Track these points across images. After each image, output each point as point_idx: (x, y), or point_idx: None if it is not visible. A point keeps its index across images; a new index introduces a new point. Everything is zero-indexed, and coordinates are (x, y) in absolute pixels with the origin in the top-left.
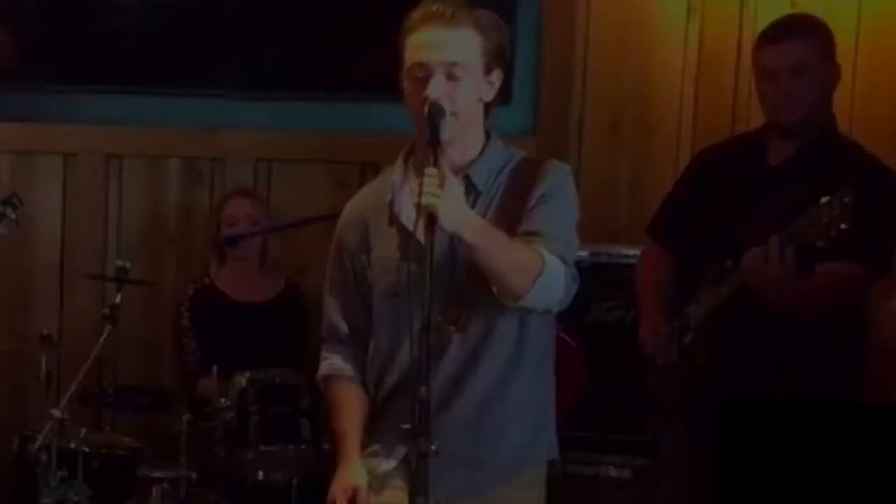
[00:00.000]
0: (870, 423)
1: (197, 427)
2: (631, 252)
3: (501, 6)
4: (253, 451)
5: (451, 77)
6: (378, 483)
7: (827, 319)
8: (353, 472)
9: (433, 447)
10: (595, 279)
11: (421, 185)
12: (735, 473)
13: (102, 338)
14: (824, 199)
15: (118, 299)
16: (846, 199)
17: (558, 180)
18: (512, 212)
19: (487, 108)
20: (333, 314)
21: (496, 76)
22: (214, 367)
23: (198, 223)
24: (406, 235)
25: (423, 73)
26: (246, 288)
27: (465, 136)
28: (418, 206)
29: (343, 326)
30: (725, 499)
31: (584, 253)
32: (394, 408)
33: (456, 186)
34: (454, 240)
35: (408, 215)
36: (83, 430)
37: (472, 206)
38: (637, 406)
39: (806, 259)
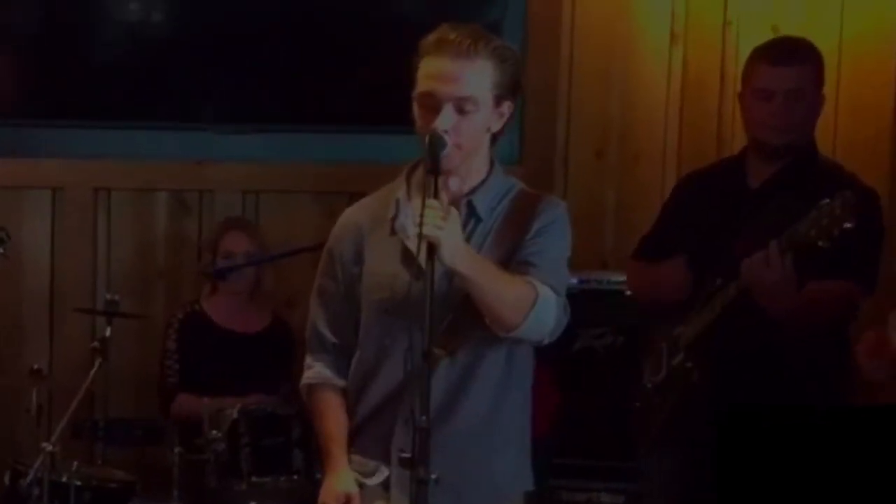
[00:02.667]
0: (867, 425)
1: (188, 459)
2: (619, 278)
3: None
4: (245, 483)
5: (460, 110)
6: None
7: (814, 334)
8: (343, 479)
9: (433, 476)
10: (584, 306)
11: (422, 215)
12: (732, 477)
13: (93, 371)
14: (824, 201)
15: (108, 332)
16: (849, 198)
17: (556, 216)
18: (509, 241)
19: (495, 137)
20: (320, 323)
21: (507, 107)
22: (205, 400)
23: (187, 255)
24: (404, 253)
25: (432, 103)
26: (235, 318)
27: (468, 165)
28: (419, 235)
29: (329, 336)
30: (724, 502)
31: (572, 280)
32: (375, 427)
33: (455, 220)
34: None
35: (410, 232)
36: (75, 463)
37: (472, 233)
38: (629, 432)
39: (798, 272)
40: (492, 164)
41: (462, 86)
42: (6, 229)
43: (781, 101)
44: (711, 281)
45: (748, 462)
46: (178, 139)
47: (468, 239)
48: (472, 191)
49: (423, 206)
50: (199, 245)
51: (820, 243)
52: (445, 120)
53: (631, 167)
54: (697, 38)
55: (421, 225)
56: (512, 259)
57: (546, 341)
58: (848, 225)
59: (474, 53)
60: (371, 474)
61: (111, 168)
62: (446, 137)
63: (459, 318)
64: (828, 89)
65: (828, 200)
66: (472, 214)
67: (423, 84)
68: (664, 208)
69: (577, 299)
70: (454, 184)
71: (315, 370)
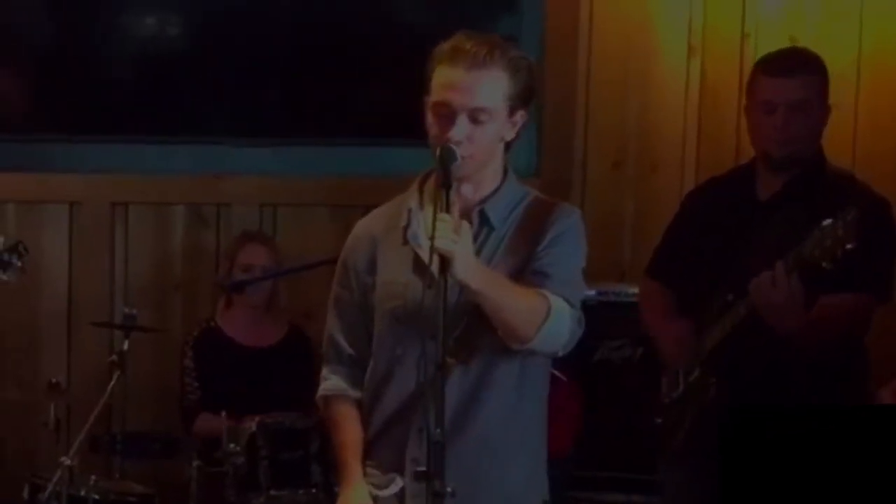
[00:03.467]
0: (869, 425)
1: (207, 473)
2: (637, 290)
3: None
4: (263, 497)
5: (474, 120)
6: None
7: (830, 348)
8: (358, 493)
9: (449, 489)
10: (602, 318)
11: (434, 229)
12: (736, 477)
13: (111, 385)
14: (827, 222)
15: (126, 346)
16: (850, 219)
17: (570, 225)
18: (523, 250)
19: (508, 145)
20: (336, 334)
21: (520, 116)
22: (224, 413)
23: (204, 269)
24: (416, 262)
25: (446, 112)
26: (251, 332)
27: (481, 174)
28: (431, 249)
29: (345, 347)
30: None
31: (590, 292)
32: (389, 437)
33: (467, 234)
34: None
35: (421, 243)
36: (93, 477)
37: (485, 242)
38: (646, 444)
39: (810, 287)
40: (506, 172)
41: (477, 97)
42: (23, 243)
43: (784, 113)
44: (723, 296)
45: (751, 463)
46: (195, 153)
47: (481, 247)
48: (485, 199)
49: (435, 219)
50: (217, 258)
51: (824, 264)
52: (460, 130)
53: (648, 178)
54: (715, 50)
55: (433, 239)
56: (525, 268)
57: (560, 353)
58: (850, 246)
59: (490, 64)
60: (385, 486)
61: (128, 182)
62: (457, 150)
63: (472, 327)
64: (846, 101)
65: (830, 221)
66: (484, 223)
67: (437, 93)
68: (675, 221)
69: (594, 311)
70: (467, 191)
71: (331, 382)
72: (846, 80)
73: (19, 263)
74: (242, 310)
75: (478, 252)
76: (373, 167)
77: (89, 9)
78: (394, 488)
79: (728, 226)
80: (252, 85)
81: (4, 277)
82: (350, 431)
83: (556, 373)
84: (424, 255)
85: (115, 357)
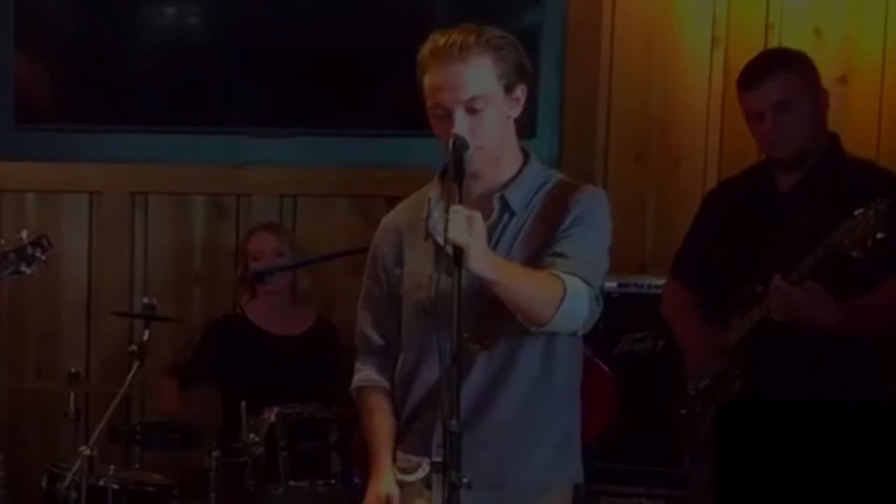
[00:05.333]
0: (869, 423)
1: (226, 463)
2: (659, 282)
3: (525, 37)
4: (282, 487)
5: (471, 111)
6: (405, 496)
7: (889, 334)
8: (385, 481)
9: (465, 480)
10: (624, 310)
11: (447, 220)
12: (733, 473)
13: (130, 375)
14: (858, 211)
15: (146, 336)
16: (882, 208)
17: (592, 204)
18: (544, 234)
19: (519, 124)
20: (367, 327)
21: (520, 91)
22: (243, 403)
23: (224, 259)
24: (438, 253)
25: (442, 113)
26: (277, 320)
27: (497, 160)
28: (444, 241)
29: (376, 339)
30: (724, 499)
31: (612, 284)
32: (418, 424)
33: (481, 225)
34: None
35: (440, 232)
36: (112, 467)
37: (506, 227)
38: (669, 437)
39: (845, 277)
40: (527, 156)
41: (466, 88)
42: (47, 237)
43: (771, 118)
44: (751, 288)
45: (748, 458)
46: (216, 143)
47: (502, 233)
48: (506, 185)
49: (448, 211)
50: (237, 249)
51: (854, 254)
52: (460, 126)
53: (672, 170)
54: (739, 41)
55: (446, 231)
56: (546, 251)
57: (581, 332)
58: (881, 235)
59: (469, 52)
60: (413, 471)
61: (149, 172)
62: (469, 139)
63: (493, 312)
64: (871, 91)
65: (861, 210)
66: (505, 208)
67: (429, 97)
68: (697, 220)
69: (616, 303)
70: (487, 176)
71: (363, 373)
72: (871, 71)
73: (43, 257)
74: (266, 299)
75: (498, 238)
76: (393, 158)
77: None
78: (420, 473)
79: (751, 219)
80: (272, 76)
81: (28, 272)
82: (380, 421)
83: (595, 359)
84: (443, 244)
85: (134, 347)
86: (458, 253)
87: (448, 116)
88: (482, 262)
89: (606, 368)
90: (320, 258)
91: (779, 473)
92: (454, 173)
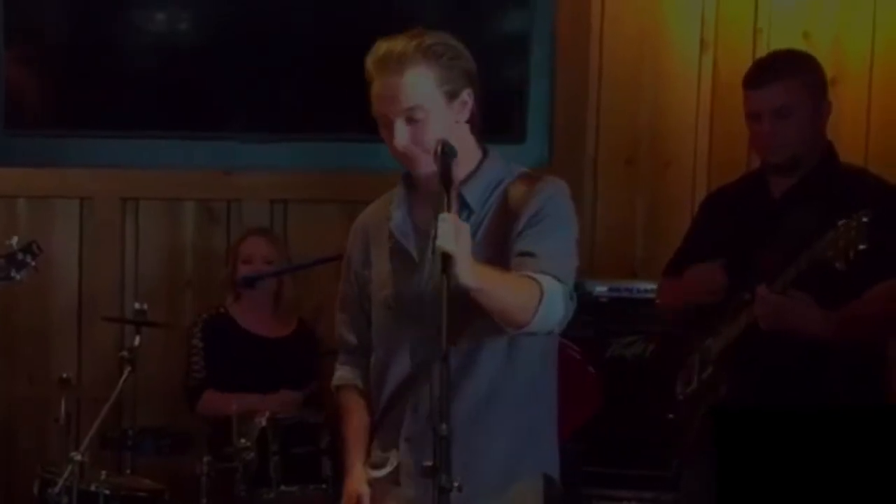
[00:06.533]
0: (867, 425)
1: (217, 468)
2: (649, 286)
3: (515, 42)
4: (274, 492)
5: (411, 121)
6: (376, 493)
7: (881, 339)
8: (356, 479)
9: (455, 484)
10: (614, 314)
11: (436, 228)
12: (730, 479)
13: (122, 380)
14: (841, 222)
15: (137, 342)
16: (864, 220)
17: (551, 197)
18: (504, 230)
19: (475, 124)
20: (342, 328)
21: (466, 95)
22: (234, 400)
23: (214, 264)
24: (400, 252)
25: (385, 122)
26: (261, 324)
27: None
28: (432, 248)
29: (351, 339)
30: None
31: (602, 288)
32: (389, 419)
33: (466, 234)
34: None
35: (403, 231)
36: (103, 472)
37: None
38: (659, 441)
39: (831, 285)
40: (485, 153)
41: (403, 99)
42: (37, 242)
43: (769, 121)
44: (739, 294)
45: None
46: (206, 149)
47: None
48: (462, 182)
49: (437, 220)
50: (227, 254)
51: (837, 265)
52: (400, 136)
53: (661, 174)
54: (728, 46)
55: (435, 238)
56: (507, 248)
57: (557, 330)
58: (862, 247)
59: (406, 63)
60: (382, 465)
61: (139, 178)
62: (414, 150)
63: (459, 313)
64: (860, 95)
65: (844, 222)
66: (463, 206)
67: (374, 106)
68: (692, 227)
69: (606, 308)
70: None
71: (339, 373)
72: (859, 74)
73: (33, 263)
74: (251, 303)
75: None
76: (384, 163)
77: (102, 4)
78: (388, 468)
79: (742, 226)
80: (263, 81)
81: (18, 277)
82: (351, 421)
83: (573, 351)
84: (407, 245)
85: (125, 352)
86: (446, 260)
87: (389, 126)
88: (467, 271)
89: (591, 369)
90: (309, 264)
91: (778, 478)
92: (441, 180)
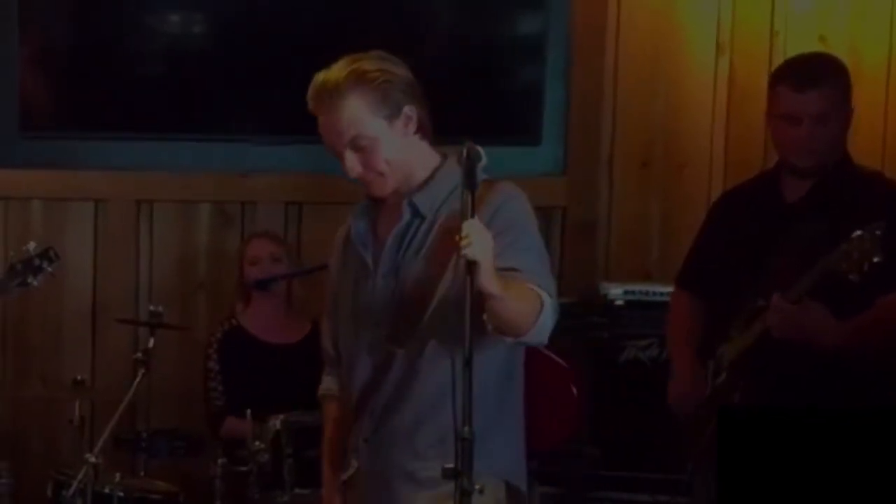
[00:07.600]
0: (867, 427)
1: (231, 471)
2: (664, 289)
3: (530, 45)
4: (288, 495)
5: (357, 149)
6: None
7: (889, 350)
8: (328, 489)
9: (477, 487)
10: (629, 317)
11: (461, 237)
12: (733, 480)
13: (136, 382)
14: (855, 234)
15: (151, 344)
16: (877, 233)
17: (512, 205)
18: (455, 233)
19: (423, 132)
20: (324, 338)
21: (408, 111)
22: (248, 411)
23: (229, 267)
24: (360, 260)
25: (336, 153)
26: (274, 329)
27: (408, 175)
28: (459, 253)
29: (329, 349)
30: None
31: (617, 291)
32: (356, 423)
33: (489, 241)
34: (398, 268)
35: (362, 241)
36: (117, 474)
37: (417, 231)
38: (673, 444)
39: (843, 295)
40: (444, 158)
41: (343, 132)
42: (54, 248)
43: (808, 126)
44: (752, 300)
45: (748, 464)
46: (221, 151)
47: (412, 238)
48: (416, 190)
49: (464, 225)
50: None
51: (851, 276)
52: (351, 165)
53: (676, 177)
54: (744, 48)
55: (460, 240)
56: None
57: (543, 343)
58: (877, 259)
59: (336, 98)
60: (345, 469)
61: (154, 180)
62: (364, 175)
63: (405, 314)
64: (876, 99)
65: (858, 233)
66: (415, 214)
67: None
68: (702, 229)
69: (622, 310)
70: (400, 186)
71: (323, 383)
72: (875, 79)
73: (50, 269)
74: (262, 307)
75: (409, 243)
76: None
77: (115, 6)
78: (351, 469)
79: (755, 230)
80: (277, 82)
81: (35, 283)
82: (328, 430)
83: (556, 358)
84: (364, 253)
85: (139, 355)
86: (472, 267)
87: (340, 157)
88: (490, 279)
89: (561, 361)
90: (321, 266)
91: (779, 479)
92: (466, 183)
